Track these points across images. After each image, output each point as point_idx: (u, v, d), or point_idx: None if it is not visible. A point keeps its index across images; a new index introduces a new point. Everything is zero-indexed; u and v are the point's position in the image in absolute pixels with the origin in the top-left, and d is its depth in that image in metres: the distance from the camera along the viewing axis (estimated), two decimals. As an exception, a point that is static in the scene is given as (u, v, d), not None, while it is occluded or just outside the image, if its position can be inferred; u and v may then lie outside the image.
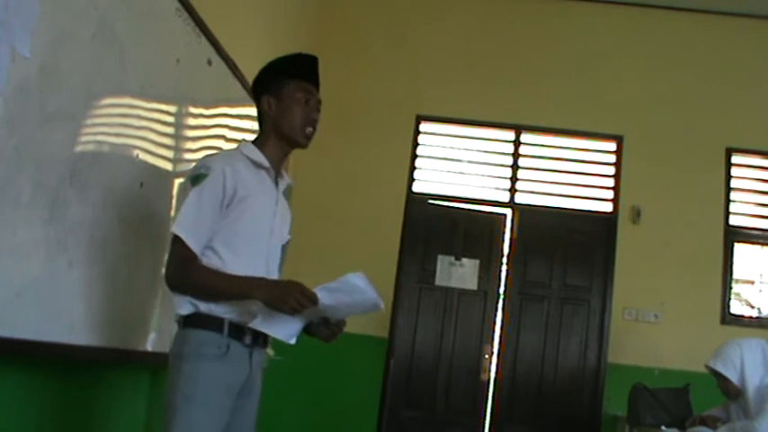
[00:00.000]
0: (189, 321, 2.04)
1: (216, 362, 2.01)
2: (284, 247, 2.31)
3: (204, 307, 2.03)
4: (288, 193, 2.37)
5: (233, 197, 2.06)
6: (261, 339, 2.13)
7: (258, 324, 2.02)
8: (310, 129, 2.22)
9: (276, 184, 2.25)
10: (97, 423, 2.78)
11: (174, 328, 2.13)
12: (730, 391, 3.54)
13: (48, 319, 2.13)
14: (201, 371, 1.99)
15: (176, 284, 2.05)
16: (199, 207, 2.03)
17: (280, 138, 2.21)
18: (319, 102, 2.23)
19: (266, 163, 2.19)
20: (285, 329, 2.04)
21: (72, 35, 2.12)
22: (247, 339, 2.08)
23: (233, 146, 3.44)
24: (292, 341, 2.07)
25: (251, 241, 2.11)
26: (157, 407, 3.27)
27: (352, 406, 5.40)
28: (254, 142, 2.24)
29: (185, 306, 2.04)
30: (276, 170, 2.25)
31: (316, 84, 2.24)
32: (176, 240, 2.03)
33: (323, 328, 2.15)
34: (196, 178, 2.05)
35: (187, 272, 2.02)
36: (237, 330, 2.05)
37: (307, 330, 2.15)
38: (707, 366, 3.59)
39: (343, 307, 2.04)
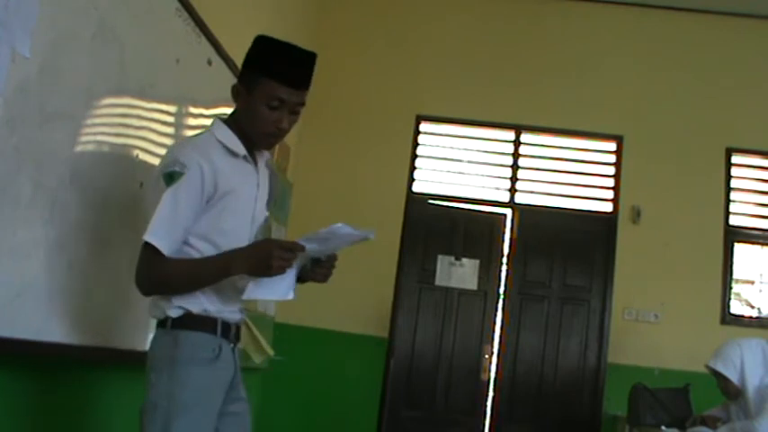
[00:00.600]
0: (179, 323, 1.92)
1: (210, 365, 1.93)
2: (263, 227, 2.20)
3: (196, 308, 1.93)
4: (270, 165, 2.23)
5: (213, 193, 1.92)
6: (238, 333, 2.07)
7: (251, 293, 1.93)
8: (273, 138, 2.01)
9: (255, 164, 2.07)
10: (97, 423, 2.78)
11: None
12: (730, 392, 3.54)
13: (48, 319, 2.13)
14: (198, 376, 1.90)
15: (149, 287, 1.94)
16: (175, 210, 1.88)
17: (243, 133, 2.01)
18: (300, 104, 1.98)
19: (242, 150, 1.99)
20: (279, 288, 1.96)
21: (72, 35, 2.12)
22: (232, 336, 2.02)
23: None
24: (290, 296, 1.99)
25: (233, 235, 1.98)
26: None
27: (352, 406, 5.40)
28: (228, 120, 2.04)
29: (173, 309, 1.92)
30: (250, 150, 2.05)
31: (299, 86, 1.96)
32: (147, 246, 1.89)
33: (316, 269, 2.04)
34: (170, 176, 1.87)
35: (158, 272, 1.89)
36: (226, 328, 1.99)
37: (300, 279, 2.06)
38: (707, 366, 3.59)
39: (332, 245, 1.97)
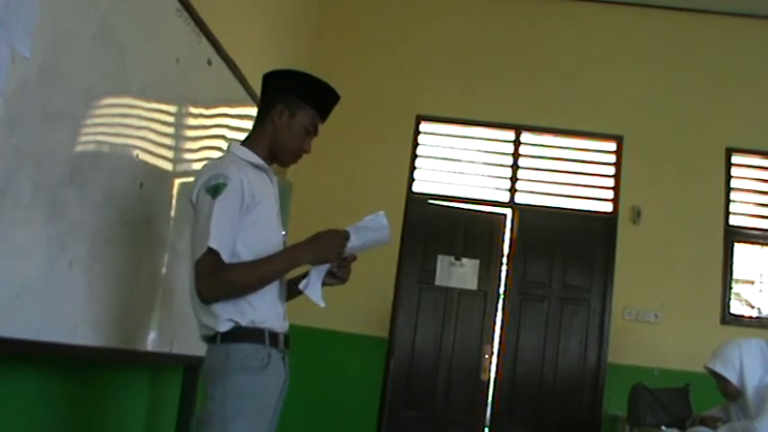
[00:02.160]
0: (228, 337, 2.04)
1: (260, 373, 2.05)
2: (283, 240, 2.32)
3: (245, 320, 2.04)
4: (279, 189, 2.36)
5: (251, 202, 2.08)
6: (287, 341, 2.19)
7: (312, 285, 2.17)
8: (296, 157, 2.27)
9: (272, 180, 2.26)
10: (97, 423, 2.78)
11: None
12: (730, 392, 3.54)
13: (48, 319, 2.13)
14: (249, 383, 2.03)
15: (217, 292, 2.03)
16: (224, 218, 2.02)
17: (271, 148, 2.23)
18: (316, 134, 2.30)
19: (266, 165, 2.21)
20: (315, 289, 2.19)
21: (72, 35, 2.12)
22: (281, 345, 2.14)
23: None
24: (323, 303, 2.20)
25: (268, 240, 2.13)
26: (158, 406, 3.27)
27: (352, 406, 5.40)
28: (245, 142, 2.24)
29: (222, 324, 2.03)
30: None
31: (325, 119, 2.30)
32: (208, 253, 1.99)
33: (341, 269, 2.23)
34: (215, 189, 2.03)
35: (223, 277, 2.01)
36: (273, 338, 2.11)
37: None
38: (706, 367, 3.59)
39: (360, 245, 2.17)
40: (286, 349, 2.18)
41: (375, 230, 2.15)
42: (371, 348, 5.42)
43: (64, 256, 2.18)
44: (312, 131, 2.25)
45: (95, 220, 2.34)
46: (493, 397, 5.48)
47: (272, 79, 2.26)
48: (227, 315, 2.04)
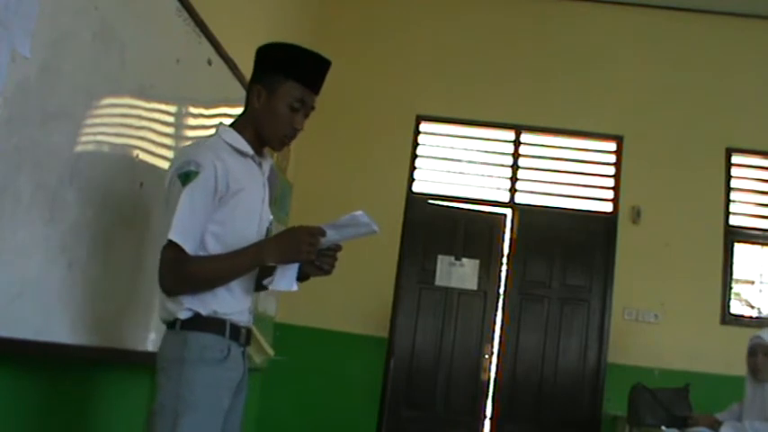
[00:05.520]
0: (188, 324, 1.94)
1: (218, 365, 1.95)
2: (268, 229, 2.22)
3: (206, 310, 1.95)
4: (273, 168, 2.25)
5: (225, 192, 1.97)
6: (248, 337, 2.10)
7: (277, 283, 1.97)
8: (287, 139, 2.10)
9: (260, 166, 2.13)
10: (97, 423, 2.78)
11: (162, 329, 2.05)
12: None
13: (48, 319, 2.13)
14: (205, 376, 1.92)
15: (176, 286, 1.94)
16: (192, 208, 1.91)
17: (257, 133, 2.08)
18: (312, 108, 2.11)
19: (250, 151, 2.06)
20: (285, 280, 2.00)
21: (72, 35, 2.12)
22: (242, 339, 2.04)
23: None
24: (295, 288, 2.02)
25: (242, 233, 2.02)
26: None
27: (352, 405, 5.40)
28: (233, 125, 2.10)
29: (183, 311, 1.94)
30: (258, 153, 2.11)
31: (317, 90, 2.10)
32: (170, 245, 1.91)
33: (323, 259, 2.04)
34: (186, 176, 1.92)
35: (185, 269, 1.92)
36: (235, 331, 2.01)
37: (301, 278, 2.08)
38: (757, 337, 3.56)
39: (339, 238, 2.01)
40: (247, 345, 2.08)
41: (355, 226, 1.97)
42: (371, 348, 5.42)
43: (64, 256, 2.18)
44: (299, 107, 2.05)
45: (95, 220, 2.34)
46: (493, 397, 5.48)
47: (256, 59, 2.12)
48: (188, 303, 1.94)
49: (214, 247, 1.97)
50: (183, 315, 1.95)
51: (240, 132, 2.07)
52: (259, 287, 2.15)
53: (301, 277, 2.08)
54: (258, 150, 2.11)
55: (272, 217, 2.25)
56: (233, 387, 2.02)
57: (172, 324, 1.98)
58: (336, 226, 1.97)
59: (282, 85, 2.04)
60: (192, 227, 1.93)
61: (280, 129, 2.06)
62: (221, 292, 1.98)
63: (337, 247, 2.07)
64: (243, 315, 2.05)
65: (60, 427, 2.49)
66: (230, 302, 2.00)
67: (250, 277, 2.08)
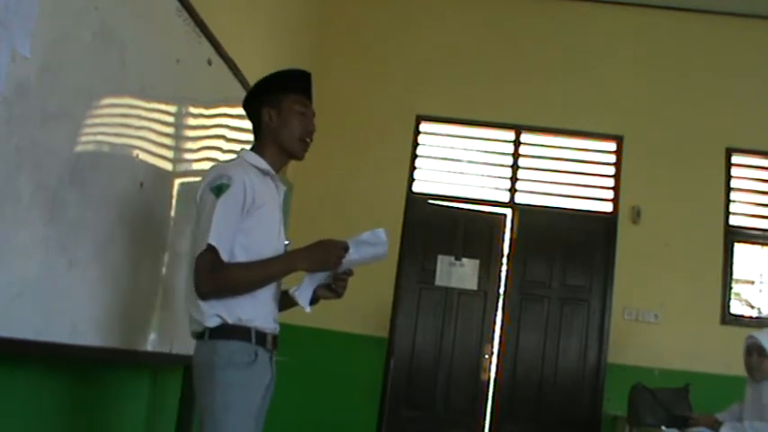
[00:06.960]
0: (216, 333, 2.08)
1: (247, 369, 2.08)
2: (285, 249, 2.35)
3: (232, 318, 2.08)
4: (284, 198, 2.40)
5: (252, 205, 2.13)
6: (275, 342, 2.21)
7: (303, 291, 2.19)
8: (308, 140, 2.30)
9: (277, 188, 2.32)
10: (98, 423, 2.78)
11: (191, 340, 2.17)
12: (763, 369, 3.51)
13: (48, 319, 2.13)
14: (236, 378, 2.06)
15: (213, 290, 2.07)
16: (225, 217, 2.07)
17: (279, 148, 2.28)
18: (314, 114, 2.32)
19: (272, 170, 2.26)
20: (305, 294, 2.21)
21: (72, 35, 2.12)
22: (269, 344, 2.17)
23: (233, 147, 3.46)
24: (308, 309, 2.25)
25: (265, 245, 2.17)
26: (158, 406, 3.27)
27: (352, 405, 5.40)
28: (252, 149, 2.30)
29: (212, 319, 2.07)
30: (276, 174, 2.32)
31: (310, 97, 2.33)
32: (207, 251, 2.04)
33: (338, 282, 2.26)
34: (218, 189, 2.09)
35: (221, 274, 2.06)
36: (261, 337, 2.13)
37: (312, 301, 2.27)
38: (752, 337, 3.55)
39: (358, 258, 2.19)
40: (274, 349, 2.21)
41: (374, 245, 2.19)
42: (371, 348, 5.43)
43: (64, 256, 2.18)
44: (305, 111, 2.29)
45: (95, 220, 2.34)
46: (493, 397, 5.48)
47: (249, 99, 2.34)
48: (214, 311, 2.07)
49: (241, 257, 2.11)
50: (210, 323, 2.08)
51: (260, 155, 2.26)
52: (284, 306, 2.31)
53: (313, 300, 2.27)
54: (277, 172, 2.29)
55: (288, 241, 2.41)
56: (262, 389, 2.15)
57: (201, 335, 2.11)
58: (359, 242, 2.17)
59: (285, 98, 2.27)
60: (226, 234, 2.08)
61: (297, 131, 2.26)
62: (245, 299, 2.11)
63: (350, 272, 2.27)
64: (268, 321, 2.18)
65: (60, 426, 2.49)
66: (255, 309, 2.13)
67: (276, 286, 2.22)
